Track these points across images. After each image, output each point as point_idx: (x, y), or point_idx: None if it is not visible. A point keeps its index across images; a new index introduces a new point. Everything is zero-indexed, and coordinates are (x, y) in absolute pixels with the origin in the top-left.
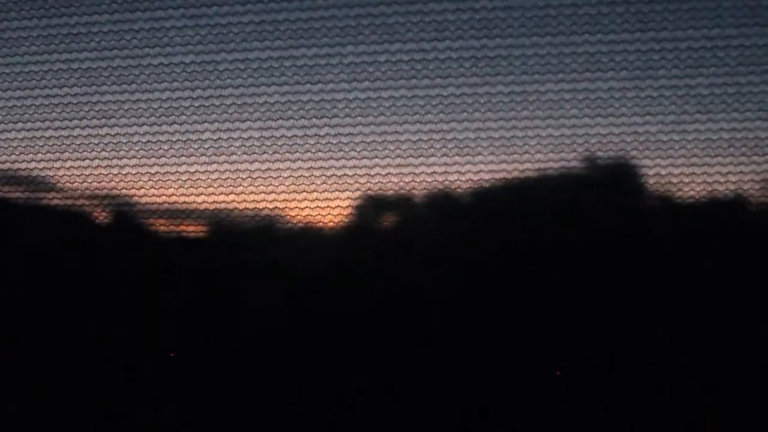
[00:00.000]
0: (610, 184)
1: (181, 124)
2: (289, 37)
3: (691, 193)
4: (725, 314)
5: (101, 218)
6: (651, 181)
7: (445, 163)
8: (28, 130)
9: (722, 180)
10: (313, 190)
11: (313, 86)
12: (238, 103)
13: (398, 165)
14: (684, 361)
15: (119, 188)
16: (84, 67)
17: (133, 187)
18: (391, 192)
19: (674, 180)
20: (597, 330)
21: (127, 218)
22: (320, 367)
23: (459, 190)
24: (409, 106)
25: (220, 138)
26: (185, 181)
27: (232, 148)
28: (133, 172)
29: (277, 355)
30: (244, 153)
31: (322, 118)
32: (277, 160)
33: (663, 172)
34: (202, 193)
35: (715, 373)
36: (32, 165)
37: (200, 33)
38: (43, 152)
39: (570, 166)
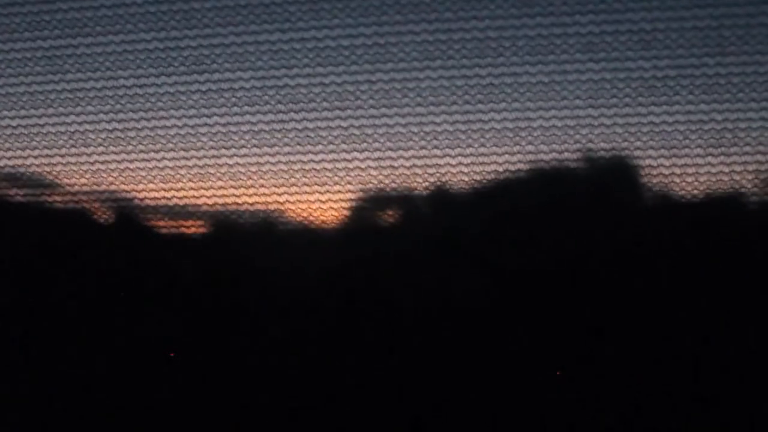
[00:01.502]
0: (610, 181)
1: (180, 118)
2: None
3: (691, 191)
4: (725, 314)
5: (95, 216)
6: (650, 178)
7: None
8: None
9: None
10: (313, 185)
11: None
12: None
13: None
14: (684, 361)
15: (113, 185)
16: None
17: (130, 184)
18: (390, 189)
19: (674, 178)
20: (598, 330)
21: (122, 216)
22: (320, 367)
23: (457, 186)
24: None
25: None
26: (182, 178)
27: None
28: (129, 169)
29: (275, 355)
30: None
31: (323, 111)
32: (278, 154)
33: (663, 170)
34: (201, 192)
35: (716, 372)
36: (26, 161)
37: (199, 27)
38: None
39: (570, 162)
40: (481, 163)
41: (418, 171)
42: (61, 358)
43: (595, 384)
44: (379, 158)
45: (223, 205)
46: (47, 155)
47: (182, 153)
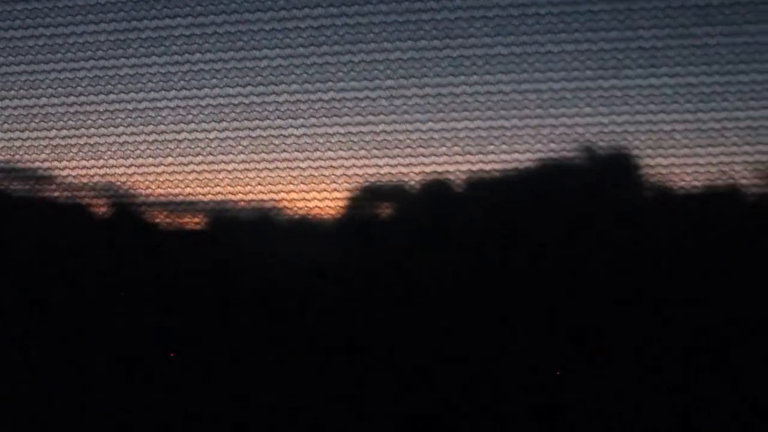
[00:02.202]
0: (610, 176)
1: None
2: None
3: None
4: (725, 311)
5: (89, 212)
6: (651, 173)
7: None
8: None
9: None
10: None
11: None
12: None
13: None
14: (684, 360)
15: (106, 179)
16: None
17: (129, 183)
18: (385, 185)
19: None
20: (597, 329)
21: (116, 212)
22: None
23: (457, 183)
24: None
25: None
26: (174, 170)
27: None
28: (123, 163)
29: (273, 353)
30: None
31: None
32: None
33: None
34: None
35: (716, 372)
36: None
37: (202, 33)
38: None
39: (570, 158)
40: (474, 154)
41: (414, 166)
42: (60, 356)
43: (595, 384)
44: (375, 149)
45: (217, 196)
46: (39, 151)
47: (176, 141)
